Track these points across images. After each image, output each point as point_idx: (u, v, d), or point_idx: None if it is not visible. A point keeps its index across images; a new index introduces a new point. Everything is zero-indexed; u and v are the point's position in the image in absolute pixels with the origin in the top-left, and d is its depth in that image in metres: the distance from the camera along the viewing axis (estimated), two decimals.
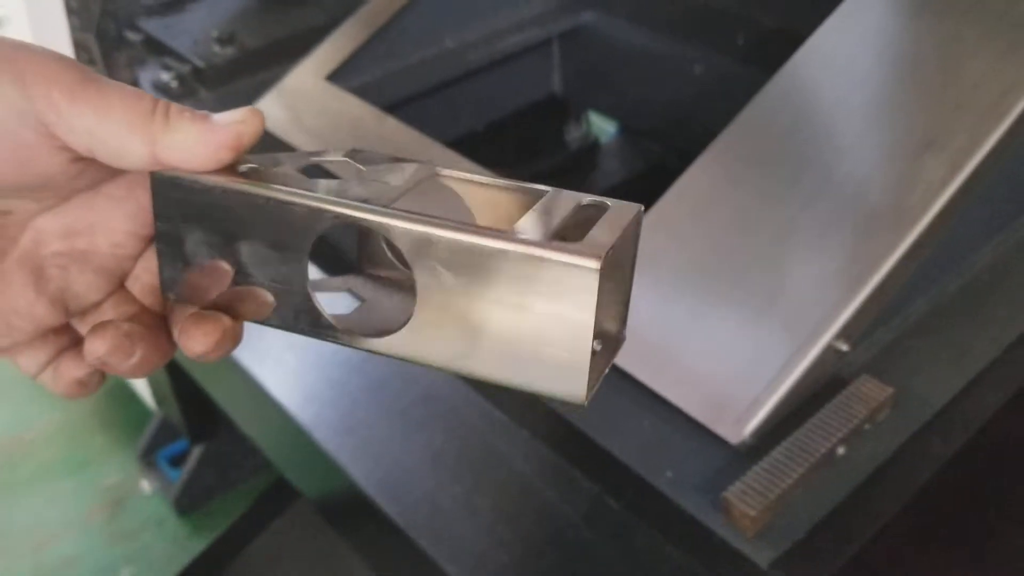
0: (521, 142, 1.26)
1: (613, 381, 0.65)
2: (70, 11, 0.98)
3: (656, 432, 0.61)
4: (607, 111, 1.35)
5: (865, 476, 0.58)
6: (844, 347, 0.63)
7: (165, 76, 1.06)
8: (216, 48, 1.07)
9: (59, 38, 0.99)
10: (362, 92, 0.98)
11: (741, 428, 0.60)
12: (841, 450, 0.59)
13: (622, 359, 0.64)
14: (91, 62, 1.00)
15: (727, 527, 0.55)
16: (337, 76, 0.99)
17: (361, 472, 0.66)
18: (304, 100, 0.98)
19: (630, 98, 1.23)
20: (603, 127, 1.32)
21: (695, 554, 0.56)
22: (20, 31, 0.96)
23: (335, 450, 0.68)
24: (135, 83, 1.06)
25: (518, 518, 0.61)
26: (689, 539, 0.56)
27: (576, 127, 1.48)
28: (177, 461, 1.45)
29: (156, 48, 1.10)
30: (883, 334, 0.67)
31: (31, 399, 1.63)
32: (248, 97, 1.00)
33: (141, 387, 1.46)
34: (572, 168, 1.27)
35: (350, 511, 0.73)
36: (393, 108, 0.98)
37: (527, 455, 0.64)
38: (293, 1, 1.15)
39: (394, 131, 0.91)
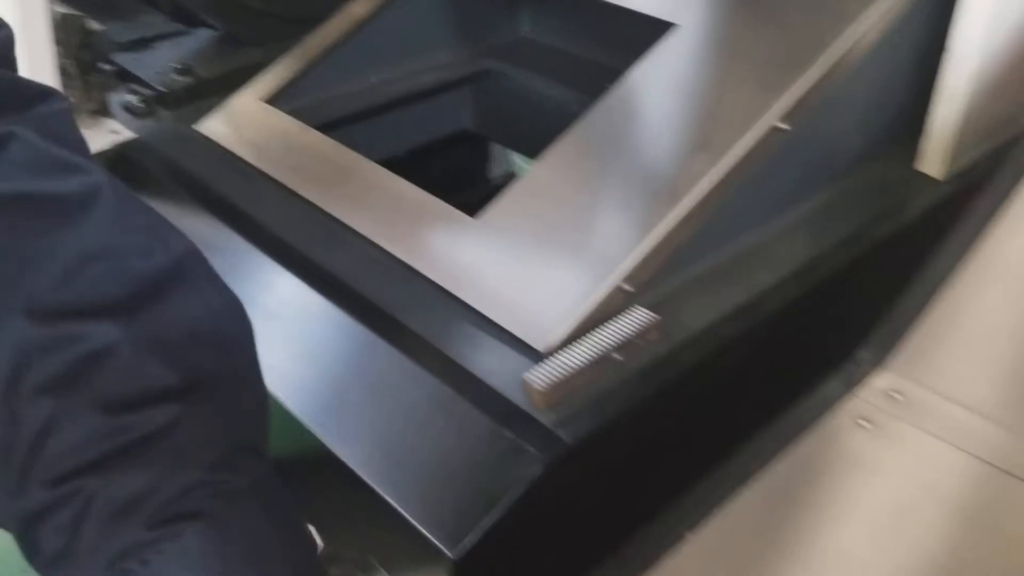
0: (444, 172, 1.48)
1: (459, 310, 0.87)
2: (57, 41, 1.20)
3: (485, 343, 0.83)
4: (512, 146, 1.59)
5: (631, 373, 0.80)
6: (629, 288, 0.85)
7: (132, 99, 1.28)
8: (175, 77, 1.30)
9: (46, 63, 1.21)
10: (295, 114, 1.20)
11: (546, 338, 0.82)
12: (617, 356, 0.81)
13: (467, 291, 0.87)
14: (71, 83, 1.22)
15: (525, 401, 0.77)
16: (274, 100, 1.22)
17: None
18: (245, 119, 1.21)
19: (527, 134, 1.47)
20: (523, 166, 1.56)
21: (505, 422, 0.77)
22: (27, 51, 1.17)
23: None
24: (106, 104, 1.28)
25: (392, 397, 0.82)
26: (501, 412, 0.77)
27: (496, 163, 1.73)
28: None
29: (125, 76, 1.32)
30: (666, 284, 0.89)
31: None
32: (199, 116, 1.23)
33: None
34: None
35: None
36: (322, 129, 1.20)
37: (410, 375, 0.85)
38: (241, 43, 1.38)
39: (321, 144, 1.14)
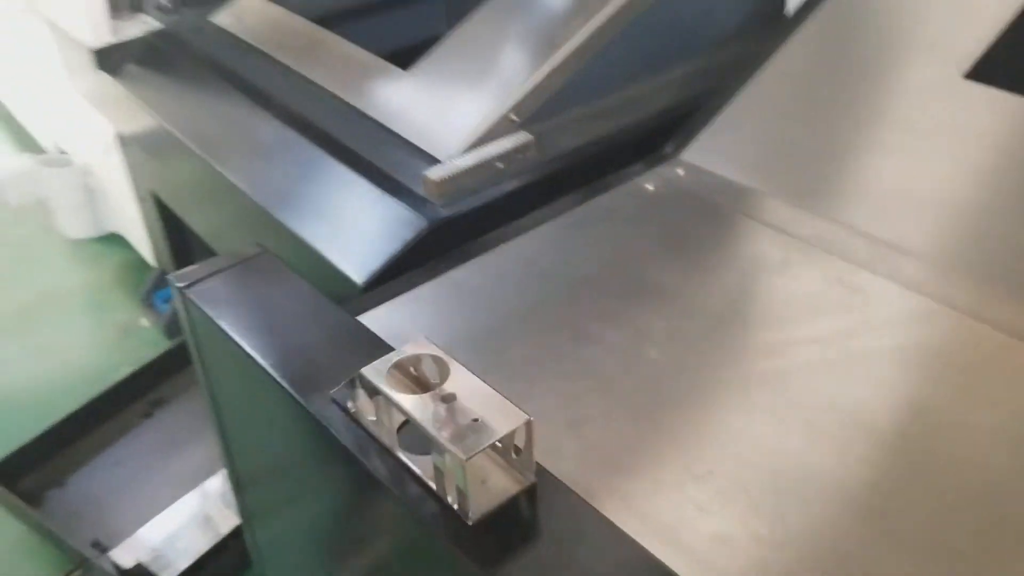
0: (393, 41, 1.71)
1: (388, 136, 1.15)
2: None
3: (403, 156, 1.12)
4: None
5: (505, 175, 1.08)
6: (515, 118, 1.13)
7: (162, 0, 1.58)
8: None
9: None
10: (292, 8, 1.49)
11: (446, 150, 1.10)
12: (499, 164, 1.09)
13: (394, 122, 1.15)
14: None
15: (425, 192, 1.06)
16: None
17: None
18: (247, 11, 1.50)
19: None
20: None
21: (408, 204, 1.05)
22: None
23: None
24: (141, 2, 1.59)
25: (331, 191, 1.11)
26: (410, 199, 1.06)
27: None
28: (169, 301, 1.97)
29: None
30: (546, 117, 1.16)
31: (63, 265, 2.16)
32: (212, 11, 1.52)
33: (146, 250, 1.98)
34: None
35: None
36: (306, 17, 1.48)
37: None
38: None
39: (301, 26, 1.42)
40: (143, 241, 1.99)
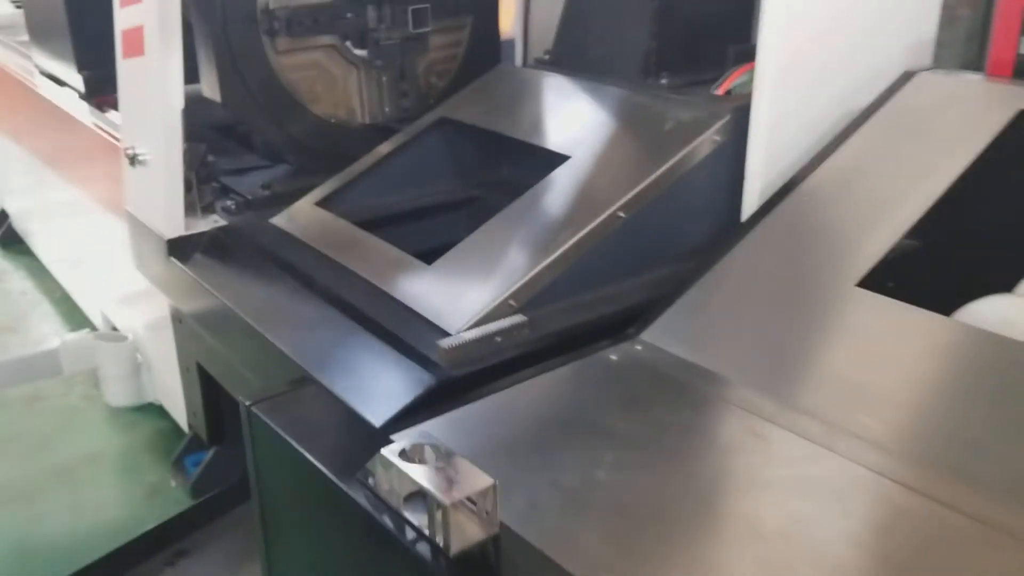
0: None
1: (413, 315, 1.42)
2: (185, 163, 1.85)
3: (424, 331, 1.38)
4: None
5: (503, 347, 1.33)
6: (513, 303, 1.40)
7: (230, 203, 1.91)
8: (260, 191, 1.93)
9: (177, 177, 1.85)
10: (336, 213, 1.81)
11: (457, 327, 1.36)
12: (498, 339, 1.35)
13: (418, 305, 1.42)
14: (190, 188, 1.86)
15: (438, 358, 1.31)
16: (321, 204, 1.84)
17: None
18: (302, 216, 1.82)
19: None
20: None
21: (426, 367, 1.30)
22: (158, 171, 1.83)
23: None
24: (212, 205, 1.92)
25: (365, 361, 1.36)
26: (425, 363, 1.31)
27: None
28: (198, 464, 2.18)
29: (227, 190, 1.97)
30: (540, 304, 1.43)
31: (104, 430, 2.39)
32: (272, 215, 1.84)
33: (181, 418, 2.21)
34: None
35: None
36: (354, 222, 1.80)
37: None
38: (307, 173, 2.02)
39: (348, 230, 1.73)
40: (179, 410, 2.23)
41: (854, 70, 1.58)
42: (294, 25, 1.88)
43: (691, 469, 0.98)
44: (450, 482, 0.73)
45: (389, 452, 0.79)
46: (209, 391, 2.02)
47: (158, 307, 2.15)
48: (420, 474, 0.75)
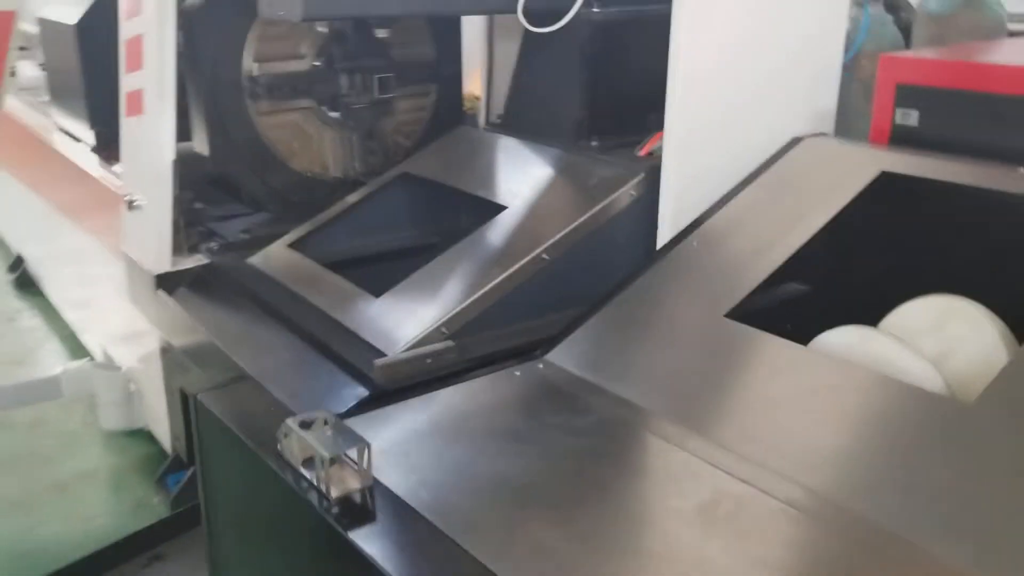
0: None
1: (358, 339, 1.64)
2: (173, 207, 2.09)
3: (365, 351, 1.60)
4: None
5: (431, 367, 1.55)
6: (444, 330, 1.62)
7: (213, 245, 2.15)
8: (241, 235, 2.17)
9: (166, 221, 2.10)
10: (305, 254, 2.04)
11: (394, 349, 1.58)
12: (428, 361, 1.56)
13: (364, 330, 1.65)
14: (178, 230, 2.11)
15: (376, 375, 1.52)
16: (294, 246, 2.07)
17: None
18: (275, 256, 2.06)
19: None
20: None
21: (362, 382, 1.52)
22: (151, 215, 2.07)
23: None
24: (197, 246, 2.15)
25: (309, 372, 1.58)
26: (364, 379, 1.53)
27: None
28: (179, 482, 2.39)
29: (212, 233, 2.21)
30: (468, 332, 1.65)
31: (97, 451, 2.60)
32: (250, 255, 2.08)
33: (166, 443, 2.42)
34: None
35: None
36: (319, 262, 2.03)
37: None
38: (285, 220, 2.26)
39: (313, 268, 1.96)
40: (165, 435, 2.45)
41: (752, 135, 1.81)
42: (275, 90, 2.14)
43: (559, 453, 1.19)
44: (333, 442, 0.95)
45: (292, 421, 1.01)
46: (189, 415, 2.24)
47: (150, 342, 2.38)
48: (311, 437, 0.97)
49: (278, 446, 1.06)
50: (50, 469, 2.53)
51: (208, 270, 2.09)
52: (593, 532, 1.04)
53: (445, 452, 1.21)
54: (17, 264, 4.25)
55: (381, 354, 1.59)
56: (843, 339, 1.43)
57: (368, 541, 0.95)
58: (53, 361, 3.19)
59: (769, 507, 1.10)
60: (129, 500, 2.40)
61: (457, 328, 1.64)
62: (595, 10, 1.93)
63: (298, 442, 1.01)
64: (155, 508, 2.35)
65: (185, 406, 2.24)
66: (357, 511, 0.98)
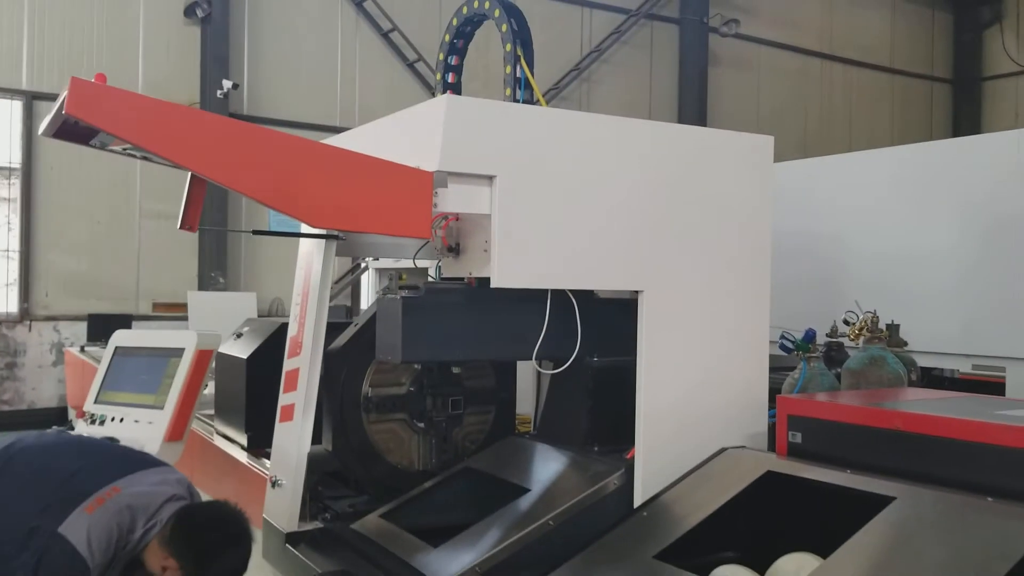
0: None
1: (417, 574, 2.44)
2: (303, 486, 3.00)
3: None
4: None
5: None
6: (478, 569, 2.41)
7: (327, 515, 3.03)
8: (347, 508, 3.05)
9: (297, 495, 3.00)
10: (394, 523, 2.89)
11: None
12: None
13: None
14: (304, 503, 3.00)
15: None
16: (384, 516, 2.93)
17: None
18: (371, 524, 2.92)
19: None
20: None
21: None
22: (287, 491, 2.97)
23: None
24: (316, 516, 3.03)
25: None
26: None
27: None
28: None
29: (327, 507, 3.09)
30: (498, 569, 2.43)
31: None
32: (353, 522, 2.94)
33: None
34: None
35: None
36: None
37: None
38: (377, 500, 3.13)
39: (401, 534, 2.80)
40: None
41: (693, 447, 2.66)
42: (381, 406, 3.12)
43: None
44: None
45: None
46: None
47: None
48: None
49: None
50: None
51: (322, 532, 2.95)
52: None
53: None
54: None
55: None
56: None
57: None
58: None
59: None
60: None
61: (488, 568, 2.44)
62: (595, 359, 2.88)
63: None
64: None
65: None
66: None
